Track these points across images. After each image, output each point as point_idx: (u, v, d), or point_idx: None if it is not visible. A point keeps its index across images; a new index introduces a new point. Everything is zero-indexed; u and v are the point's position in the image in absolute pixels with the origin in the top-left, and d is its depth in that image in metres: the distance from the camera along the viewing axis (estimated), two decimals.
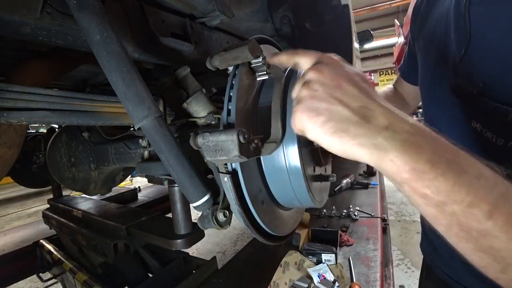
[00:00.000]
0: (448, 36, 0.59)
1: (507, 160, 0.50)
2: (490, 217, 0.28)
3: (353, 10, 1.86)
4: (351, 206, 1.65)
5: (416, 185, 0.31)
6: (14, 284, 1.63)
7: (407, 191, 0.32)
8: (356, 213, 1.58)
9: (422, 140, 0.31)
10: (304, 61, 0.41)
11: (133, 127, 1.19)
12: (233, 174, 0.58)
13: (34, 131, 2.12)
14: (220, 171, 0.59)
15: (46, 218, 1.73)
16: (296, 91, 0.38)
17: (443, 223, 0.32)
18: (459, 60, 0.54)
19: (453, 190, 0.29)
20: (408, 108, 1.00)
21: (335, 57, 0.39)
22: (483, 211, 0.28)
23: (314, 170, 0.76)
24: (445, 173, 0.29)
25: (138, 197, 2.49)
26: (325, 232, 1.28)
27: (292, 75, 0.74)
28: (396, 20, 5.73)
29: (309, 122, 0.34)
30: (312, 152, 0.75)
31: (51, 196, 1.92)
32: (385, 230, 1.47)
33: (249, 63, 0.62)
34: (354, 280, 1.00)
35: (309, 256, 1.12)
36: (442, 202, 0.30)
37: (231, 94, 0.60)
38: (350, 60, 1.66)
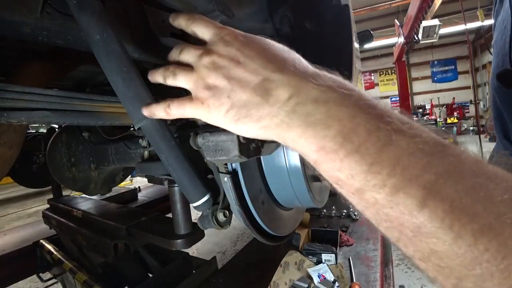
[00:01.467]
0: (509, 21, 0.53)
1: None
2: (423, 205, 0.20)
3: (353, 10, 1.86)
4: (351, 206, 1.65)
5: (327, 168, 0.25)
6: (14, 284, 1.63)
7: (326, 179, 0.26)
8: (356, 213, 1.58)
9: (334, 108, 0.24)
10: (202, 33, 0.35)
11: (133, 127, 1.19)
12: (233, 174, 0.58)
13: (34, 131, 2.12)
14: (220, 171, 0.59)
15: (46, 218, 1.73)
16: (194, 63, 0.33)
17: (372, 218, 0.25)
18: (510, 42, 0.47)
19: (371, 171, 0.22)
20: None
21: (238, 32, 0.33)
22: (412, 198, 0.20)
23: (315, 170, 0.76)
24: (360, 148, 0.22)
25: (138, 197, 2.49)
26: (325, 232, 1.28)
27: None
28: (396, 20, 5.73)
29: (212, 113, 0.31)
30: None
31: (51, 196, 1.92)
32: None
33: None
34: (354, 280, 1.00)
35: (309, 256, 1.12)
36: (359, 189, 0.23)
37: None
38: (350, 60, 1.66)
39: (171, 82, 0.36)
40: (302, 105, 0.26)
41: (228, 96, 0.29)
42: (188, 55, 0.34)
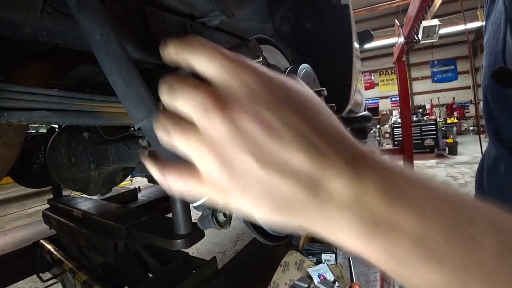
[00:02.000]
0: (501, 19, 0.50)
1: None
2: None
3: (353, 10, 1.86)
4: None
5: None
6: (14, 284, 1.63)
7: None
8: None
9: (426, 217, 0.18)
10: (205, 68, 0.22)
11: (133, 127, 1.19)
12: None
13: (34, 131, 2.12)
14: None
15: (46, 218, 1.73)
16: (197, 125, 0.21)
17: None
18: (504, 36, 0.43)
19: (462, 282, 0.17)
20: None
21: (259, 69, 0.22)
22: None
23: None
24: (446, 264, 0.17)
25: (138, 197, 2.49)
26: None
27: (292, 75, 0.74)
28: (396, 20, 5.73)
29: (230, 199, 0.22)
30: None
31: (51, 196, 1.92)
32: None
33: None
34: (354, 280, 1.00)
35: (309, 256, 1.12)
36: None
37: None
38: (350, 60, 1.66)
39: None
40: (369, 209, 0.18)
41: (257, 181, 0.20)
42: (187, 107, 0.21)
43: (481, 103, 0.64)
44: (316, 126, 0.20)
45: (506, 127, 0.56)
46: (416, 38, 4.43)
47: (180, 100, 0.21)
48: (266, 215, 0.21)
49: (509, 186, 0.53)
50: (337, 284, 0.96)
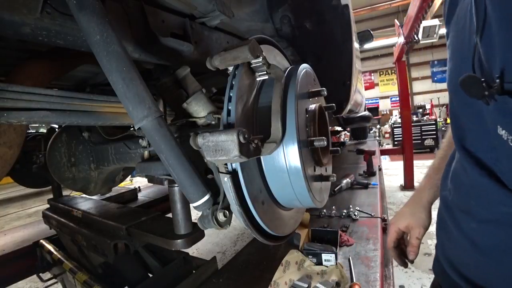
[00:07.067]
0: (469, 21, 0.47)
1: None
2: None
3: (353, 10, 1.86)
4: (351, 206, 1.65)
5: None
6: (14, 284, 1.63)
7: None
8: (356, 213, 1.58)
9: None
10: None
11: (133, 127, 1.19)
12: (233, 174, 0.58)
13: (34, 131, 2.12)
14: (220, 171, 0.59)
15: (46, 218, 1.73)
16: None
17: None
18: (477, 43, 0.42)
19: None
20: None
21: None
22: None
23: (314, 170, 0.76)
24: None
25: (138, 197, 2.49)
26: (325, 232, 1.28)
27: (292, 75, 0.74)
28: (396, 20, 5.73)
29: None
30: (312, 152, 0.75)
31: (51, 196, 1.92)
32: (385, 230, 1.47)
33: (249, 63, 0.62)
34: (354, 280, 1.00)
35: (309, 256, 1.12)
36: None
37: (231, 94, 0.60)
38: (350, 60, 1.66)
39: None
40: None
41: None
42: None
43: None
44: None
45: (469, 135, 0.54)
46: (416, 38, 4.43)
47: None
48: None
49: (470, 189, 0.55)
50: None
